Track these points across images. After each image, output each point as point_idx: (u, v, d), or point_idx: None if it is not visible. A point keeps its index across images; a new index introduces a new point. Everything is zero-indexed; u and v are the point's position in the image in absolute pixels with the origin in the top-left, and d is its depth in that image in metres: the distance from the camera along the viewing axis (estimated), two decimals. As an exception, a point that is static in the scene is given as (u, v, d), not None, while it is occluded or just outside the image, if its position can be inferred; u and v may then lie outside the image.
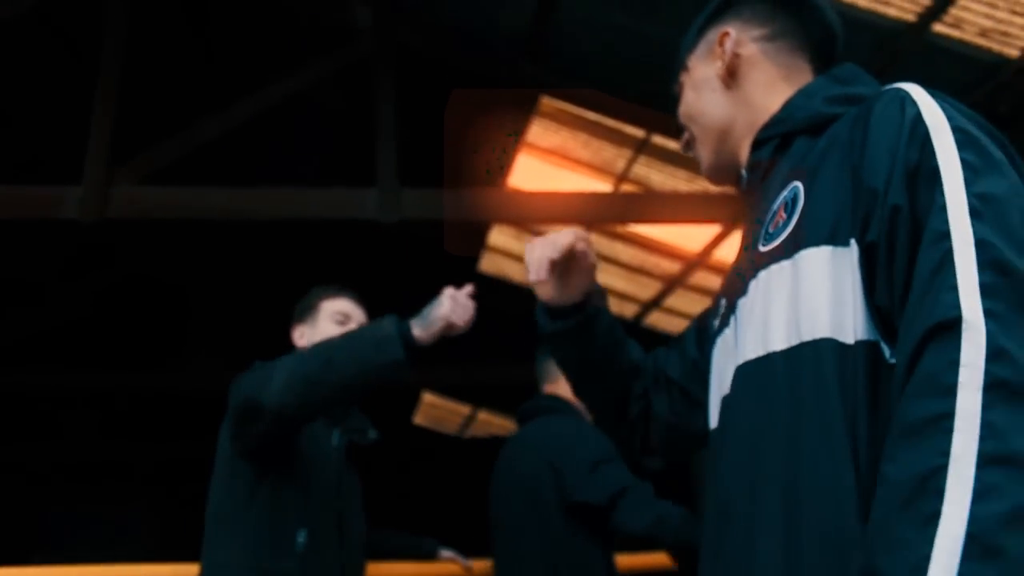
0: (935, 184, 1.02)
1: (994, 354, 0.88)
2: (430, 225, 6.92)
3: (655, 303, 10.68)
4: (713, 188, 7.93)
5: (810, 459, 1.04)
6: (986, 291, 0.91)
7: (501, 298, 11.27)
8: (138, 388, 11.68)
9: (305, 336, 2.78)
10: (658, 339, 11.15)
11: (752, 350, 1.20)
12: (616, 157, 8.25)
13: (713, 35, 1.50)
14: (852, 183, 1.12)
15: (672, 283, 10.17)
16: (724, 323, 1.37)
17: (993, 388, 0.86)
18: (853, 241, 1.10)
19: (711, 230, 8.85)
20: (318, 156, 8.73)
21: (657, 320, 11.13)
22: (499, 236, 10.24)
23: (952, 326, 0.91)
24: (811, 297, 1.10)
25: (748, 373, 1.20)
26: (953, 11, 5.67)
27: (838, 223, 1.12)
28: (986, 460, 0.84)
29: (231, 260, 10.66)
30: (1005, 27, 5.74)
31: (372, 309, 3.04)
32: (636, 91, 7.26)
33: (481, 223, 9.31)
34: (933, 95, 1.14)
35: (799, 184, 1.21)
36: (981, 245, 0.94)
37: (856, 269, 1.08)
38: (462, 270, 10.83)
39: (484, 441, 17.18)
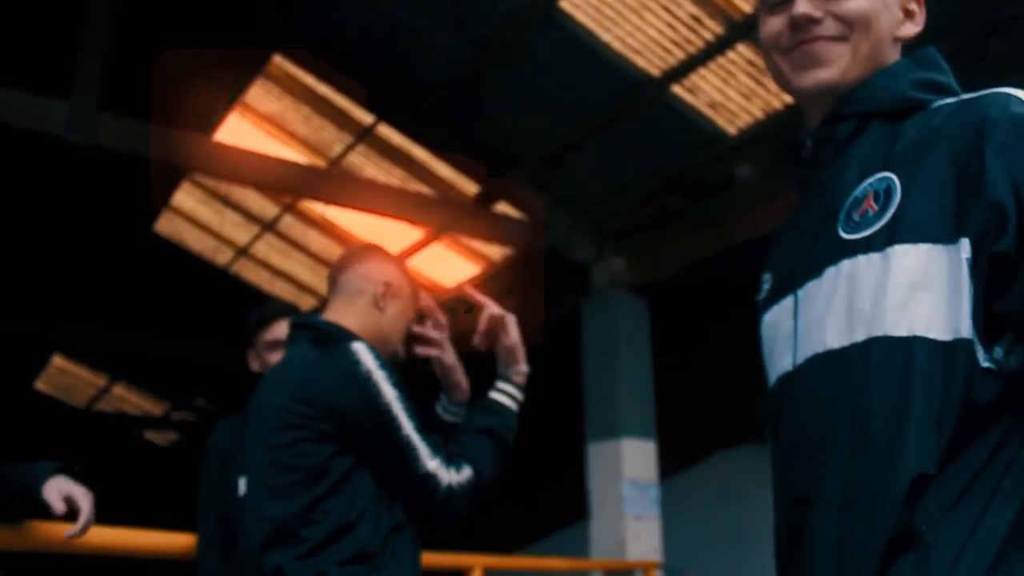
0: None
1: None
2: (123, 157, 6.16)
3: (336, 301, 10.34)
4: (427, 191, 7.83)
5: (883, 452, 1.06)
6: None
7: (173, 265, 10.41)
8: None
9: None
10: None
11: (835, 339, 1.14)
12: (335, 140, 7.91)
13: None
14: (961, 183, 1.07)
15: (359, 283, 9.90)
16: (775, 300, 1.30)
17: None
18: (966, 241, 1.06)
19: (408, 238, 8.72)
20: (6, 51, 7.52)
21: (333, 319, 10.79)
22: (185, 198, 9.45)
23: None
24: (905, 293, 1.08)
25: (829, 360, 1.15)
26: (694, 77, 6.02)
27: (943, 222, 1.08)
28: None
29: None
30: (732, 105, 6.18)
31: (34, 227, 2.52)
32: (378, 76, 7.01)
33: (174, 173, 8.49)
34: None
35: (892, 176, 1.14)
36: None
37: (965, 269, 1.05)
38: (136, 228, 9.86)
39: (109, 417, 15.76)
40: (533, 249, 7.59)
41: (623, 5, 5.79)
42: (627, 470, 6.87)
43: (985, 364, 1.04)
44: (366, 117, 7.53)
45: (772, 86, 5.98)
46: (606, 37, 6.02)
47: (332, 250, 9.52)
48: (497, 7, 6.06)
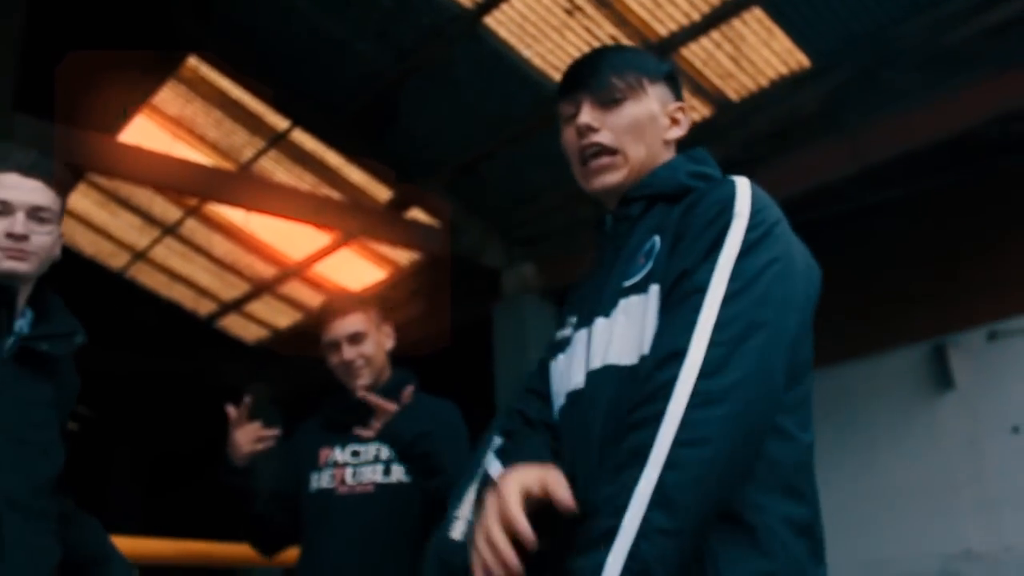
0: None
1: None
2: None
3: (236, 305, 10.26)
4: (339, 197, 7.94)
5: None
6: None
7: (62, 268, 10.11)
8: None
9: None
10: (226, 342, 10.72)
11: (610, 359, 1.46)
12: (246, 145, 7.92)
13: (669, 97, 1.70)
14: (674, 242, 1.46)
15: (260, 288, 9.86)
16: (574, 331, 1.62)
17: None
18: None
19: (316, 243, 8.78)
20: None
21: (231, 323, 10.68)
22: (80, 199, 9.22)
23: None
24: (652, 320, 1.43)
25: (601, 375, 1.47)
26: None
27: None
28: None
29: None
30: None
31: None
32: (297, 83, 7.09)
33: (75, 174, 8.29)
34: (752, 188, 1.46)
35: (657, 237, 1.50)
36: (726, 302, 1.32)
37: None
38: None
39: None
40: (444, 255, 7.80)
41: (545, 24, 6.08)
42: (539, 468, 7.15)
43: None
44: (280, 122, 7.58)
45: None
46: (527, 53, 6.30)
47: (236, 254, 9.48)
48: (422, 20, 6.25)
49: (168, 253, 9.71)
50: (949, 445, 6.56)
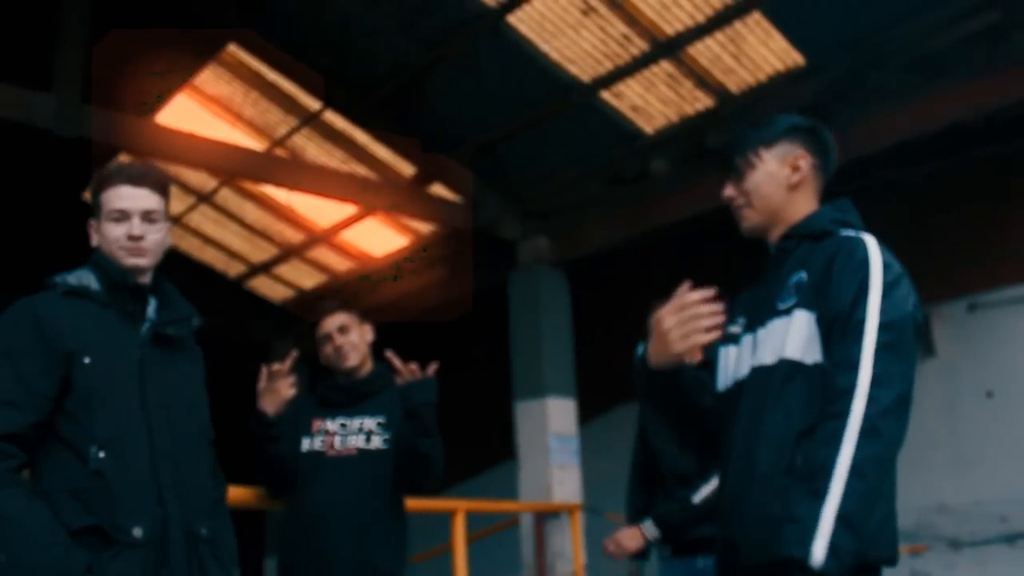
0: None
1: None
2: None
3: (265, 267, 10.88)
4: (367, 173, 8.50)
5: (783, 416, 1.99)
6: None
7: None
8: None
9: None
10: (254, 301, 11.34)
11: (767, 358, 2.06)
12: (280, 123, 8.47)
13: (789, 150, 2.20)
14: (823, 282, 2.01)
15: (288, 252, 10.47)
16: (742, 334, 2.21)
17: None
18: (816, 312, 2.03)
19: (342, 210, 9.34)
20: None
21: (259, 284, 11.32)
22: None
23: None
24: (794, 336, 2.02)
25: (756, 371, 2.08)
26: (620, 85, 6.90)
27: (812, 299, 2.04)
28: None
29: None
30: (652, 110, 7.11)
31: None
32: (331, 69, 7.62)
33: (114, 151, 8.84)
34: (880, 246, 2.02)
35: (804, 273, 2.06)
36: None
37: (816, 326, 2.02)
38: (63, 193, 10.10)
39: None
40: (464, 227, 8.38)
41: (563, 21, 6.61)
42: (552, 425, 7.83)
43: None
44: (313, 104, 8.12)
45: (687, 95, 6.94)
46: (545, 47, 6.83)
47: (266, 221, 10.07)
48: (449, 15, 6.78)
49: (202, 219, 10.30)
50: (929, 408, 7.06)
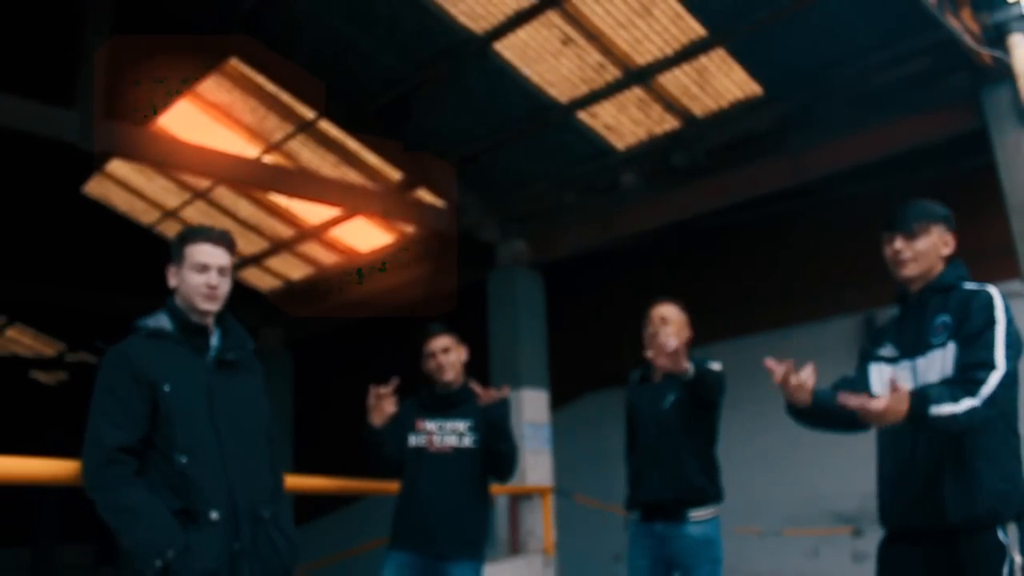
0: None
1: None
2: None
3: (255, 259, 11.44)
4: (357, 177, 9.08)
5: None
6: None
7: (98, 222, 11.22)
8: None
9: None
10: (242, 290, 11.90)
11: (932, 378, 2.75)
12: (276, 129, 9.02)
13: (947, 229, 2.94)
14: (962, 319, 2.77)
15: (279, 246, 11.04)
16: (898, 360, 2.92)
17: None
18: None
19: (331, 210, 9.89)
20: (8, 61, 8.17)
21: (249, 275, 11.88)
22: (120, 166, 10.28)
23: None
24: (948, 360, 2.76)
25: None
26: (595, 107, 7.56)
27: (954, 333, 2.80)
28: None
29: None
30: (623, 128, 7.77)
31: None
32: (325, 84, 8.21)
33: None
34: (999, 292, 2.80)
35: (948, 316, 2.80)
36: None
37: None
38: (66, 189, 10.59)
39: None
40: (448, 230, 9.00)
41: (544, 49, 7.23)
42: (526, 414, 8.50)
43: None
44: (309, 113, 8.69)
45: (656, 117, 7.60)
46: (527, 71, 7.45)
47: (258, 216, 10.62)
48: (439, 41, 7.38)
49: (195, 213, 10.83)
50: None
